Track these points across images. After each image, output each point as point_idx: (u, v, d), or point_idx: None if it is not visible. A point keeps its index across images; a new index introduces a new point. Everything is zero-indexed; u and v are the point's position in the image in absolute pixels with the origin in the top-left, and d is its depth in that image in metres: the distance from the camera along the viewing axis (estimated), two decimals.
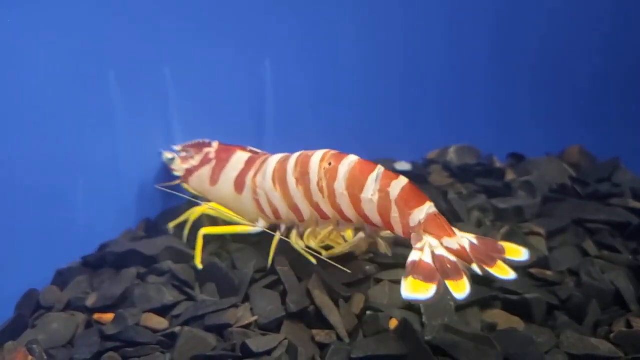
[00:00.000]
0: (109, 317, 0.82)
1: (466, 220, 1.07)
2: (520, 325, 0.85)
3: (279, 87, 1.22)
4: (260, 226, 0.94)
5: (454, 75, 1.32)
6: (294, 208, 0.89)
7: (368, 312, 0.83)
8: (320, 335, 0.79)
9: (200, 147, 1.02)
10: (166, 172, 1.07)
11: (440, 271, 0.72)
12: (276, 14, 1.19)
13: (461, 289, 0.71)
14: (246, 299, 0.85)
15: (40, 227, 0.89)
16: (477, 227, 1.04)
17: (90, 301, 0.85)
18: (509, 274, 0.75)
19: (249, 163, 0.96)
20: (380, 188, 0.80)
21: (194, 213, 0.96)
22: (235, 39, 1.15)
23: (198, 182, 1.01)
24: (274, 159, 0.92)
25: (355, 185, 0.82)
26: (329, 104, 1.30)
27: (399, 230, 0.80)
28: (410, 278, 0.71)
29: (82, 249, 0.95)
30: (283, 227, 0.92)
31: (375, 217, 0.81)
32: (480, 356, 0.75)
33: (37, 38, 0.88)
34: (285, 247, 0.92)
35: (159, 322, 0.81)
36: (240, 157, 0.97)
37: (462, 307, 0.86)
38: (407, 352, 0.76)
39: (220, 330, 0.79)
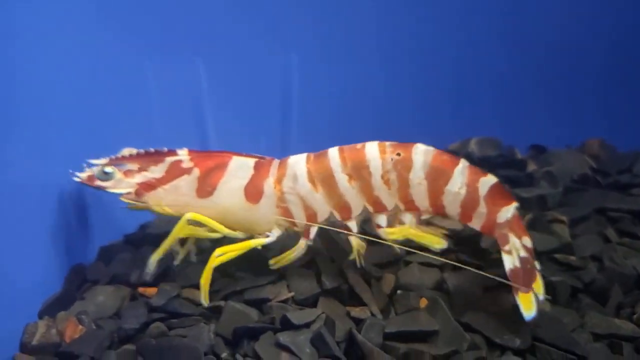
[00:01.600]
0: (152, 290, 0.86)
1: None
2: (545, 306, 0.87)
3: (304, 80, 1.26)
4: (274, 235, 0.87)
5: (475, 68, 1.35)
6: (342, 206, 0.85)
7: (399, 291, 0.87)
8: (355, 311, 0.82)
9: (155, 157, 0.87)
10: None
11: (525, 274, 0.78)
12: (302, 10, 1.22)
13: (539, 289, 0.78)
14: (282, 277, 0.89)
15: (85, 208, 0.94)
16: None
17: (134, 277, 0.89)
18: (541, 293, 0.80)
19: (260, 169, 0.86)
20: (469, 182, 0.82)
21: (179, 231, 0.84)
22: (263, 33, 1.19)
23: (168, 197, 0.86)
24: (300, 160, 0.86)
25: (439, 176, 0.83)
26: (352, 97, 1.33)
27: (478, 224, 0.83)
28: (520, 294, 0.77)
29: (124, 228, 0.99)
30: (314, 232, 0.86)
31: (454, 209, 0.84)
32: (509, 333, 0.79)
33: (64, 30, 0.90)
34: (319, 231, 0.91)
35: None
36: (242, 163, 0.87)
37: (489, 288, 0.90)
38: (438, 327, 0.79)
39: (259, 304, 0.83)
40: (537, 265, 0.82)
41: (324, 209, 0.86)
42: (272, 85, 1.21)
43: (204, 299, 0.84)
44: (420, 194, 0.83)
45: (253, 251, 0.90)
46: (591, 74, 1.33)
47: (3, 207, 0.80)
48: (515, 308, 0.86)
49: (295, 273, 0.88)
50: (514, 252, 0.81)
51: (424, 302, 0.86)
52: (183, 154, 0.88)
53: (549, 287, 0.91)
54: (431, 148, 0.84)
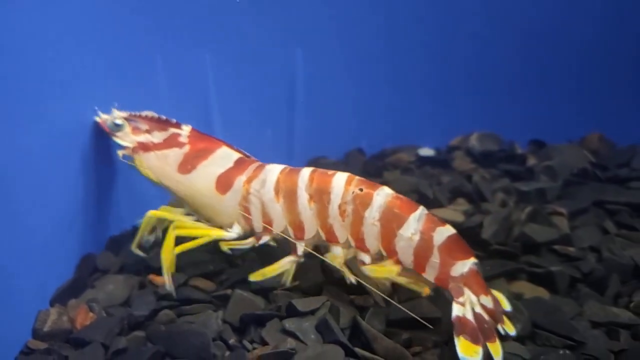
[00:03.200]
0: (161, 279, 0.86)
1: (491, 201, 1.12)
2: (545, 295, 0.90)
3: (310, 74, 1.27)
4: (235, 232, 0.88)
5: (476, 64, 1.37)
6: (297, 224, 0.84)
7: None
8: (359, 300, 0.84)
9: (162, 124, 0.91)
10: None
11: (481, 332, 0.75)
12: (308, 4, 1.24)
13: (497, 352, 0.74)
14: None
15: (95, 199, 0.95)
16: (502, 207, 1.09)
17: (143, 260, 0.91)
18: (512, 329, 0.78)
19: (239, 164, 0.88)
20: (423, 230, 0.79)
21: (146, 220, 0.90)
22: (269, 28, 1.21)
23: (156, 163, 0.90)
24: (275, 169, 0.86)
25: (393, 220, 0.80)
26: (356, 94, 1.35)
27: (432, 275, 0.79)
28: (461, 338, 0.74)
29: (133, 219, 1.00)
30: (266, 239, 0.87)
31: (406, 256, 0.80)
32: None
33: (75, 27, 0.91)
34: None
35: (208, 285, 0.87)
36: (227, 154, 0.89)
37: (489, 278, 0.91)
38: (441, 315, 0.81)
39: (265, 292, 0.85)
40: (502, 329, 0.77)
41: (280, 221, 0.85)
42: (278, 79, 1.23)
43: (168, 282, 0.85)
44: (371, 235, 0.81)
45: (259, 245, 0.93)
46: (591, 69, 1.35)
47: (18, 199, 0.81)
48: (516, 297, 0.90)
49: (300, 263, 0.90)
50: (468, 306, 0.77)
51: (426, 291, 0.88)
52: (185, 130, 0.92)
53: (548, 277, 0.94)
54: (393, 192, 0.82)
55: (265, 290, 0.85)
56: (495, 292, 0.82)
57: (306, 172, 0.85)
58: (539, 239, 0.99)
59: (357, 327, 0.78)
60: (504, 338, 0.78)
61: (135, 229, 1.01)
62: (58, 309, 0.83)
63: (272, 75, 1.22)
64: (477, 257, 0.81)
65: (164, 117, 0.92)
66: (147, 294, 0.85)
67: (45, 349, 0.79)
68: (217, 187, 0.88)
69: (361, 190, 0.81)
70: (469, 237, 1.00)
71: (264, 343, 0.77)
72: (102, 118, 0.92)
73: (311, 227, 0.84)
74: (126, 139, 0.91)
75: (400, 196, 0.82)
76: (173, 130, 0.91)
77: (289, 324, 0.78)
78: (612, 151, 1.31)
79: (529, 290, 0.90)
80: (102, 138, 0.95)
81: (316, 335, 0.77)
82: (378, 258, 0.84)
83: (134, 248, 0.93)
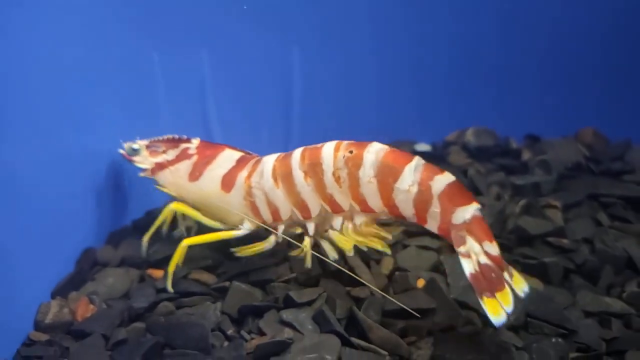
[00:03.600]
0: (160, 272, 0.89)
1: (486, 194, 1.14)
2: (539, 286, 0.91)
3: (306, 72, 1.29)
4: (245, 229, 0.90)
5: (472, 60, 1.38)
6: (300, 204, 0.85)
7: (397, 273, 0.91)
8: (355, 291, 0.86)
9: (175, 142, 0.97)
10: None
11: (490, 282, 0.72)
12: (304, 3, 1.25)
13: (507, 301, 0.71)
14: (285, 260, 0.92)
15: (95, 195, 0.97)
16: (497, 201, 1.11)
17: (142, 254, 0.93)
18: (524, 286, 0.75)
19: (241, 162, 0.91)
20: (421, 180, 0.78)
21: (166, 214, 0.93)
22: (265, 26, 1.22)
23: (170, 178, 0.94)
24: (270, 158, 0.88)
25: (389, 174, 0.79)
26: (352, 89, 1.36)
27: (434, 225, 0.78)
28: (485, 298, 0.71)
29: (132, 214, 1.03)
30: (281, 229, 0.88)
31: (407, 209, 0.79)
32: None
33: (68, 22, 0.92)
34: None
35: (207, 278, 0.88)
36: (229, 155, 0.92)
37: None
38: (435, 305, 0.82)
39: (263, 284, 0.87)
40: (508, 275, 0.75)
41: (285, 206, 0.87)
42: (275, 77, 1.24)
43: (169, 285, 0.86)
44: (371, 193, 0.81)
45: (259, 237, 0.93)
46: (585, 65, 1.36)
47: (20, 195, 0.83)
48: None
49: (297, 256, 0.91)
50: (473, 256, 0.75)
51: (421, 283, 0.89)
52: (194, 143, 0.96)
53: (542, 269, 0.95)
54: (385, 146, 0.81)
55: (262, 282, 0.87)
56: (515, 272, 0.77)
57: (297, 152, 0.86)
58: (533, 231, 1.00)
59: (353, 317, 0.79)
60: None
61: (134, 224, 1.03)
62: (59, 302, 0.85)
63: (269, 74, 1.23)
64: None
65: (177, 136, 0.97)
66: (146, 287, 0.87)
67: (47, 340, 0.80)
68: (223, 187, 0.90)
69: (351, 152, 0.81)
70: None
71: (261, 333, 0.78)
72: (126, 148, 0.98)
73: (314, 204, 0.85)
74: (145, 162, 0.96)
75: (394, 149, 0.81)
76: (184, 145, 0.96)
77: (286, 314, 0.79)
78: (606, 145, 1.32)
79: None
80: (99, 142, 0.97)
81: (313, 325, 0.78)
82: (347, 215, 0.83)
83: (145, 241, 0.94)
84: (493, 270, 0.73)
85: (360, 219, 0.84)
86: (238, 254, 0.88)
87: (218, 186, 0.90)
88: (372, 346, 0.76)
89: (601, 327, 0.83)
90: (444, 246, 0.97)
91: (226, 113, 1.18)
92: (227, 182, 0.90)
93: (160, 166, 0.95)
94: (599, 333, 0.81)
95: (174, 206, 0.93)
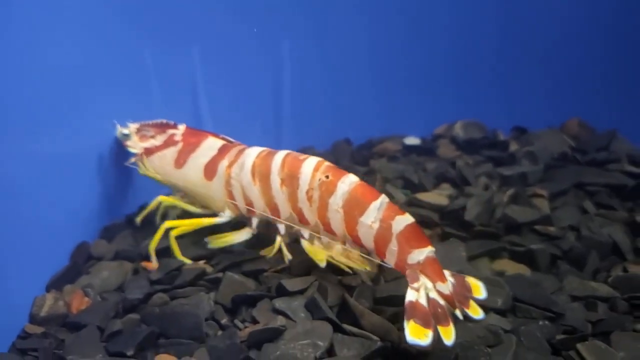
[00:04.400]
0: (153, 265, 0.90)
1: (474, 185, 1.15)
2: (526, 272, 0.93)
3: (296, 65, 1.30)
4: (226, 216, 0.93)
5: (460, 54, 1.41)
6: (273, 206, 0.89)
7: None
8: (346, 279, 0.87)
9: (163, 127, 0.99)
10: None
11: (433, 316, 0.75)
12: None
13: (449, 336, 0.73)
14: (277, 251, 0.92)
15: (89, 189, 0.98)
16: (484, 191, 1.12)
17: (135, 248, 0.94)
18: (479, 314, 0.78)
19: (222, 151, 0.94)
20: (383, 218, 0.80)
21: (155, 203, 0.96)
22: (255, 20, 1.23)
23: (159, 163, 0.97)
24: (253, 152, 0.90)
25: (355, 207, 0.82)
26: (342, 83, 1.38)
27: (391, 260, 0.81)
28: (412, 322, 0.73)
29: (125, 209, 1.04)
30: (255, 222, 0.91)
31: (368, 242, 0.82)
32: (492, 295, 0.83)
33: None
34: None
35: (201, 269, 0.88)
36: (212, 144, 0.95)
37: (472, 257, 0.95)
38: None
39: (255, 275, 0.88)
40: (460, 312, 0.77)
41: (258, 203, 0.90)
42: (265, 70, 1.25)
43: (153, 265, 0.90)
44: (336, 220, 0.84)
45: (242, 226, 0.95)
46: (570, 57, 1.39)
47: (15, 188, 0.84)
48: (498, 274, 0.93)
49: (289, 247, 0.92)
50: (422, 291, 0.77)
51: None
52: (180, 129, 0.99)
53: (529, 255, 0.97)
54: (357, 180, 0.84)
55: (255, 272, 0.88)
56: (472, 280, 0.82)
57: (279, 156, 0.88)
58: (521, 219, 1.02)
59: (345, 304, 0.81)
60: (486, 310, 0.80)
61: (128, 219, 1.04)
62: (54, 295, 0.85)
63: (259, 67, 1.24)
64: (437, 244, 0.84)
65: (164, 121, 1.00)
66: (140, 279, 0.88)
67: (42, 333, 0.81)
68: (205, 175, 0.93)
69: (327, 177, 0.84)
70: (453, 220, 1.05)
71: (255, 322, 0.80)
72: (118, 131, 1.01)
73: (285, 209, 0.88)
74: (135, 146, 0.99)
75: (364, 184, 0.84)
76: (170, 131, 0.99)
77: (279, 303, 0.81)
78: (591, 136, 1.35)
79: (511, 268, 0.93)
80: (90, 137, 0.98)
81: (305, 313, 0.79)
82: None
83: (138, 219, 0.99)
84: (440, 307, 0.76)
85: (326, 237, 0.87)
86: (210, 245, 0.91)
87: (201, 174, 0.94)
88: (364, 332, 0.77)
89: (587, 310, 0.85)
90: (434, 235, 0.99)
91: (217, 105, 1.19)
92: (209, 170, 0.93)
93: (149, 151, 0.98)
94: (585, 316, 0.83)
95: (161, 199, 0.96)
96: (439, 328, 0.73)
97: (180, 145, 0.96)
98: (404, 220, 0.80)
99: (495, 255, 0.96)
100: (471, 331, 0.78)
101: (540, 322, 0.80)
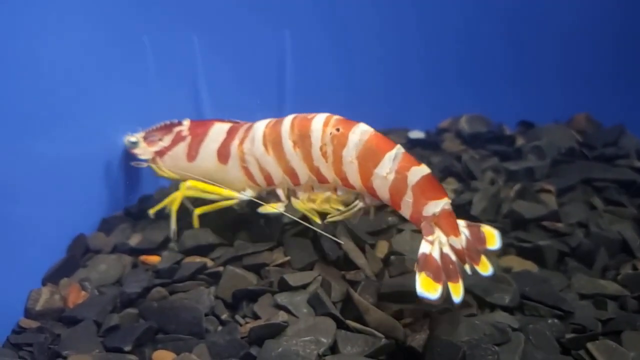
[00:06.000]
0: (154, 258, 0.88)
1: (480, 179, 1.13)
2: (533, 269, 0.91)
3: (298, 56, 1.27)
4: (248, 195, 0.93)
5: (465, 48, 1.38)
6: (290, 171, 0.88)
7: (392, 257, 0.90)
8: (350, 274, 0.85)
9: (168, 128, 0.99)
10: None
11: (444, 271, 0.75)
12: None
13: (458, 292, 0.74)
14: (279, 244, 0.91)
15: (88, 181, 0.96)
16: (491, 185, 1.10)
17: (134, 241, 0.92)
18: (488, 270, 0.79)
19: (231, 132, 0.94)
20: (398, 169, 0.79)
21: (175, 198, 0.93)
22: (256, 9, 1.21)
23: (171, 162, 0.97)
24: (261, 125, 0.90)
25: (369, 158, 0.81)
26: (345, 77, 1.35)
27: (406, 212, 0.80)
28: (423, 274, 0.73)
29: (124, 201, 1.02)
30: (281, 193, 0.92)
31: (383, 194, 0.81)
32: (499, 292, 0.82)
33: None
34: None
35: (201, 262, 0.86)
36: (219, 128, 0.95)
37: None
38: None
39: (257, 269, 0.86)
40: (469, 268, 0.77)
41: (276, 172, 0.89)
42: (267, 61, 1.23)
43: (173, 233, 0.92)
44: (352, 172, 0.83)
45: (251, 222, 0.95)
46: (577, 51, 1.36)
47: (11, 180, 0.82)
48: (505, 271, 0.91)
49: (291, 241, 0.91)
50: (436, 244, 0.77)
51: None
52: (185, 124, 1.00)
53: (537, 252, 0.94)
54: (370, 129, 0.82)
55: (257, 266, 0.86)
56: (487, 229, 0.81)
57: (287, 120, 0.88)
58: (528, 215, 1.00)
59: (348, 300, 0.79)
60: (493, 307, 0.80)
61: (126, 211, 1.02)
62: (50, 288, 0.84)
63: (261, 57, 1.22)
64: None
65: (169, 122, 1.00)
66: (139, 273, 0.86)
67: (38, 327, 0.79)
68: (219, 159, 0.94)
69: (338, 130, 0.83)
70: (459, 214, 1.01)
71: (256, 317, 0.78)
72: (127, 143, 1.00)
73: (302, 172, 0.87)
74: (145, 152, 0.99)
75: (378, 134, 0.82)
76: (176, 129, 0.99)
77: (281, 298, 0.79)
78: (599, 131, 1.32)
79: (518, 264, 0.91)
80: (89, 129, 0.96)
81: (308, 308, 0.77)
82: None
83: (152, 212, 0.96)
84: (452, 263, 0.76)
85: (344, 193, 0.87)
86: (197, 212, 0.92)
87: (215, 160, 0.94)
88: (368, 329, 0.75)
89: (596, 308, 0.82)
90: None
91: (218, 96, 1.17)
92: (223, 154, 0.93)
93: (160, 153, 0.98)
94: (595, 314, 0.81)
95: (184, 190, 0.93)
96: (449, 284, 0.73)
97: (188, 139, 0.96)
98: (420, 171, 0.79)
99: (503, 251, 0.93)
100: (478, 329, 0.75)
101: (549, 320, 0.78)
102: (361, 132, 0.82)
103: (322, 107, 1.35)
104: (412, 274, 0.84)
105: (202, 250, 0.89)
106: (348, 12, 1.28)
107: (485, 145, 1.29)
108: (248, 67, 1.20)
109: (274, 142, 0.88)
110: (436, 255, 0.76)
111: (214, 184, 0.93)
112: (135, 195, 1.03)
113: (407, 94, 1.40)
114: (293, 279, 0.80)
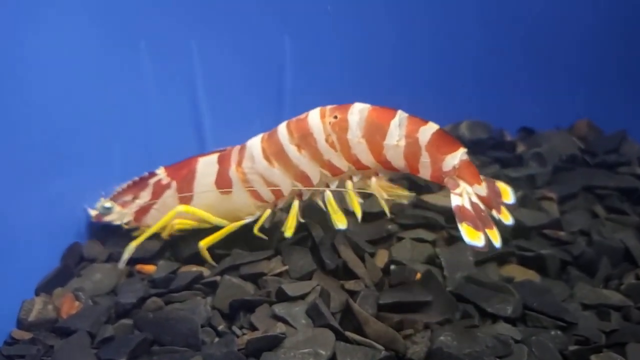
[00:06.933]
0: (150, 268, 0.87)
1: None
2: (535, 278, 0.90)
3: (298, 62, 1.26)
4: (256, 216, 0.90)
5: (466, 55, 1.37)
6: (301, 176, 0.87)
7: (392, 266, 0.88)
8: (349, 284, 0.83)
9: (141, 183, 0.94)
10: None
11: (479, 220, 0.75)
12: None
13: (496, 238, 0.75)
14: (277, 253, 0.89)
15: (81, 187, 0.94)
16: None
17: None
18: (509, 219, 0.80)
19: (222, 160, 0.91)
20: (407, 134, 0.80)
21: (166, 229, 0.89)
22: (256, 15, 1.20)
23: (159, 215, 0.91)
24: (256, 140, 0.89)
25: (375, 132, 0.81)
26: (345, 83, 1.34)
27: (426, 174, 0.81)
28: (464, 224, 0.74)
29: None
30: (280, 204, 0.89)
31: (399, 162, 0.82)
32: (500, 302, 0.80)
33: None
34: (308, 208, 0.93)
35: (197, 272, 0.84)
36: (207, 161, 0.92)
37: (480, 262, 0.91)
38: (431, 298, 0.80)
39: (254, 278, 0.84)
40: (496, 215, 0.79)
41: (285, 182, 0.88)
42: (266, 67, 1.21)
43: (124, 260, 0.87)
44: (362, 153, 0.83)
45: (248, 231, 0.92)
46: (579, 57, 1.35)
47: (4, 185, 0.81)
48: (506, 280, 0.89)
49: (289, 249, 0.89)
50: (465, 195, 0.78)
51: (417, 276, 0.87)
52: (160, 172, 0.95)
53: (539, 261, 0.93)
54: (367, 105, 0.83)
55: (254, 276, 0.84)
56: (502, 185, 0.83)
57: (282, 128, 0.87)
58: (529, 223, 0.98)
59: (348, 310, 0.77)
60: (495, 318, 0.78)
61: None
62: (43, 298, 0.82)
63: (260, 63, 1.20)
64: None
65: (137, 178, 0.95)
66: (134, 283, 0.84)
67: (30, 339, 0.77)
68: (221, 190, 0.90)
69: (336, 117, 0.83)
70: None
71: (253, 328, 0.76)
72: (93, 214, 0.94)
73: (314, 172, 0.86)
74: (122, 216, 0.94)
75: (376, 107, 0.83)
76: (152, 180, 0.95)
77: (279, 309, 0.77)
78: (601, 137, 1.31)
79: (520, 274, 0.90)
80: (88, 133, 0.94)
81: (307, 319, 0.76)
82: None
83: (132, 246, 0.89)
84: (482, 210, 0.77)
85: (370, 180, 0.87)
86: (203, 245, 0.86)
87: (216, 192, 0.90)
88: (368, 340, 0.73)
89: (600, 319, 0.81)
90: (440, 238, 0.96)
91: (217, 102, 1.15)
92: (223, 184, 0.90)
93: (142, 211, 0.94)
94: (598, 325, 0.79)
95: (183, 209, 0.88)
96: (487, 231, 0.75)
97: (173, 184, 0.93)
98: (429, 129, 0.80)
99: (504, 260, 0.92)
100: (480, 341, 0.74)
101: (552, 332, 0.76)
102: (359, 111, 0.83)
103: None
104: (412, 284, 0.84)
105: (199, 258, 0.88)
106: (348, 18, 1.27)
107: (485, 152, 1.28)
108: (247, 73, 1.18)
109: (276, 153, 0.86)
110: (467, 205, 0.77)
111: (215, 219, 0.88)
112: None
113: (407, 100, 1.38)
114: (291, 288, 0.79)
